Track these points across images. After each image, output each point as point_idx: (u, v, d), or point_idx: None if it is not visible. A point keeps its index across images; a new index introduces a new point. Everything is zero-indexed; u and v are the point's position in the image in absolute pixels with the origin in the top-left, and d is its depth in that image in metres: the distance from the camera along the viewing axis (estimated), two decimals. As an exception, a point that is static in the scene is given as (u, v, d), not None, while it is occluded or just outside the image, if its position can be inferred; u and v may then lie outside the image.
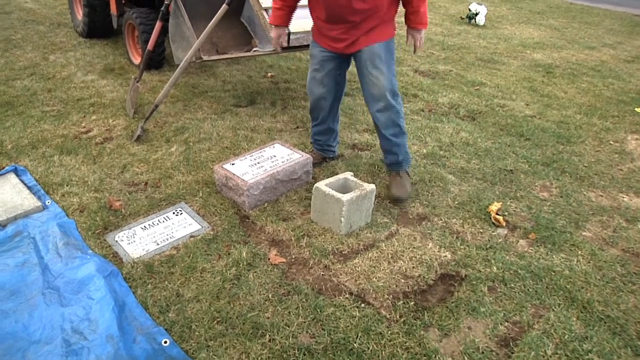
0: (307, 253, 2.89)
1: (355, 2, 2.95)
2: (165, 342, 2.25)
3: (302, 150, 3.65)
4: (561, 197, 3.59)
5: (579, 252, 3.01)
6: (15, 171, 3.50)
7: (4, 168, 3.53)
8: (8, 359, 2.16)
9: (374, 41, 3.13)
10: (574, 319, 2.52)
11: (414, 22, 3.17)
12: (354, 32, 3.11)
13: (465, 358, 2.28)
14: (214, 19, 3.78)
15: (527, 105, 5.24)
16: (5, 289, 2.53)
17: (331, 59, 3.31)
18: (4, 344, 2.23)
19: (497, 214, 3.27)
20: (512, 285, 2.72)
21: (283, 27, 3.43)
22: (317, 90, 3.46)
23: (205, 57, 4.31)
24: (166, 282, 2.63)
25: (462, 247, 3.00)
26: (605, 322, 2.51)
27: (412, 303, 2.56)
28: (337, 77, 3.42)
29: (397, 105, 3.27)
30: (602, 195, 3.64)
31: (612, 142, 4.49)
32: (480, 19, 8.64)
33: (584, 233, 3.21)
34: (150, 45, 4.56)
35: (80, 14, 6.63)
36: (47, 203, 3.21)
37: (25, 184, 3.37)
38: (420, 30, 3.22)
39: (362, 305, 2.54)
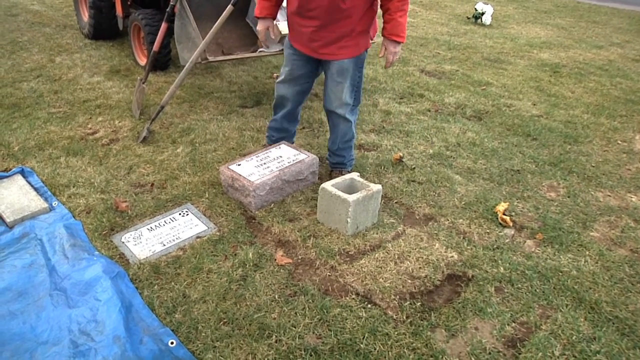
0: (314, 254, 2.88)
1: None
2: (172, 343, 2.25)
3: (308, 151, 3.64)
4: (568, 197, 3.57)
5: (587, 253, 2.99)
6: (22, 173, 3.51)
7: (11, 169, 3.55)
8: (16, 359, 2.16)
9: (346, 57, 3.13)
10: (582, 319, 2.50)
11: (388, 31, 3.08)
12: (326, 32, 3.06)
13: (472, 359, 2.27)
14: (220, 19, 3.77)
15: (534, 105, 5.22)
16: (13, 290, 2.54)
17: (302, 64, 3.32)
18: (12, 344, 2.23)
19: (504, 214, 3.26)
20: (519, 285, 2.71)
21: (270, 19, 3.32)
22: (282, 91, 3.49)
23: (211, 58, 4.32)
24: (172, 283, 2.63)
25: (469, 247, 2.99)
26: (613, 323, 2.49)
27: (419, 304, 2.55)
28: (303, 85, 3.45)
29: (352, 117, 3.39)
30: (610, 195, 3.62)
31: (620, 142, 4.46)
32: (487, 19, 8.62)
33: (591, 233, 3.19)
34: (156, 46, 4.57)
35: (86, 16, 6.65)
36: (53, 204, 3.22)
37: (32, 186, 3.38)
38: (395, 42, 3.11)
39: (369, 305, 2.53)
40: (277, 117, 3.66)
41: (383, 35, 3.12)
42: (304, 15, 3.07)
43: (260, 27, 3.33)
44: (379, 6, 3.11)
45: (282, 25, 3.85)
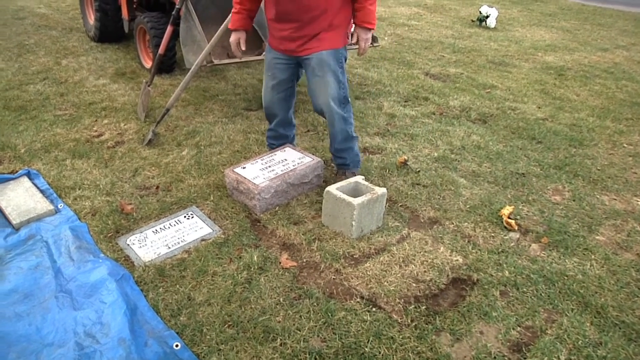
0: (318, 257, 2.88)
1: None
2: (177, 346, 2.26)
3: (313, 154, 3.65)
4: (574, 200, 3.56)
5: (593, 257, 2.98)
6: (29, 175, 3.52)
7: (17, 172, 3.56)
8: (21, 362, 2.18)
9: (324, 48, 3.13)
10: (588, 324, 2.50)
11: (359, 19, 3.14)
12: (304, 32, 3.10)
13: (478, 363, 2.27)
14: (225, 23, 3.79)
15: (539, 108, 5.22)
16: (19, 291, 2.55)
17: (284, 68, 3.33)
18: (18, 346, 2.24)
19: (509, 217, 3.25)
20: (525, 289, 2.70)
21: (242, 31, 3.38)
22: (267, 100, 3.51)
23: (216, 61, 4.33)
24: (177, 286, 2.64)
25: (473, 251, 2.98)
26: (620, 328, 2.48)
27: (424, 307, 2.55)
28: (287, 89, 3.46)
29: (344, 113, 3.33)
30: (615, 199, 3.61)
31: (625, 145, 4.45)
32: (491, 22, 8.61)
33: (597, 237, 3.18)
34: (161, 49, 4.59)
35: (92, 19, 6.69)
36: (59, 207, 3.23)
37: (38, 188, 3.40)
38: (366, 29, 3.16)
39: (374, 309, 2.53)
40: (272, 126, 3.69)
41: (355, 23, 3.18)
42: (282, 20, 3.13)
43: (232, 38, 3.38)
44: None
45: None
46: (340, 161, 3.57)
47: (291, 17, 3.07)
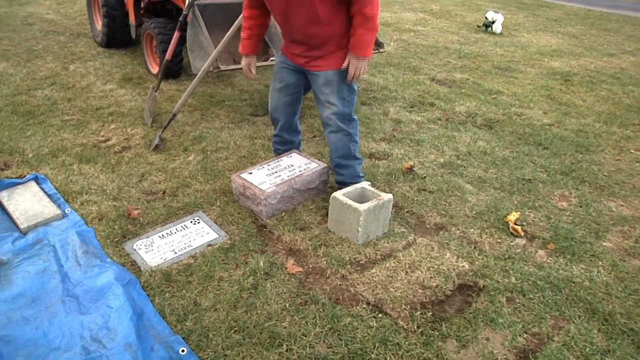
0: (324, 263, 2.88)
1: (310, 27, 2.96)
2: (183, 351, 2.26)
3: (319, 160, 3.65)
4: (580, 206, 3.55)
5: (600, 263, 2.97)
6: (36, 179, 3.54)
7: (25, 176, 3.58)
8: (28, 366, 2.18)
9: (330, 68, 3.11)
10: (595, 331, 2.48)
11: (351, 44, 3.02)
12: (315, 52, 3.10)
13: (484, 370, 2.26)
14: (232, 28, 3.80)
15: (545, 113, 5.21)
16: (26, 296, 2.56)
17: (292, 73, 3.32)
18: (25, 350, 2.25)
19: (515, 223, 3.24)
20: (531, 296, 2.69)
21: (253, 56, 3.42)
22: (273, 101, 3.50)
23: (222, 67, 4.35)
24: (184, 291, 2.64)
25: (480, 257, 2.98)
26: (628, 335, 2.47)
27: (430, 314, 2.55)
28: (293, 94, 3.44)
29: (350, 129, 3.27)
30: (622, 205, 3.60)
31: (632, 151, 4.44)
32: (497, 27, 8.61)
33: (604, 243, 3.17)
34: (168, 54, 4.61)
35: (99, 25, 6.72)
36: (66, 211, 3.24)
37: (45, 192, 3.41)
38: (358, 56, 3.01)
39: (380, 315, 2.52)
40: (277, 132, 3.68)
41: (349, 47, 3.06)
42: (292, 40, 3.16)
43: (243, 63, 3.41)
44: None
45: None
46: (339, 178, 3.48)
47: (301, 42, 3.10)
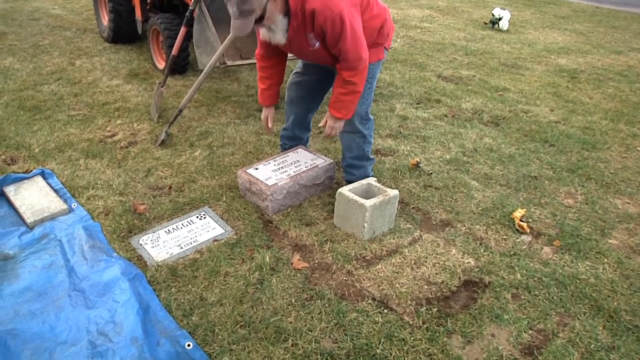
0: (330, 258, 2.89)
1: (329, 62, 2.98)
2: (189, 345, 2.27)
3: (326, 156, 3.65)
4: (586, 204, 3.54)
5: (605, 260, 2.97)
6: (43, 174, 3.56)
7: (31, 171, 3.60)
8: (36, 358, 2.19)
9: None
10: (600, 328, 2.48)
11: (330, 104, 3.03)
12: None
13: (489, 366, 2.26)
14: (238, 24, 3.80)
15: (552, 110, 5.19)
16: (33, 290, 2.57)
17: (315, 67, 3.31)
18: (31, 344, 2.26)
19: (521, 220, 3.24)
20: (537, 292, 2.69)
21: (272, 107, 3.42)
22: (292, 93, 3.49)
23: (229, 62, 4.35)
24: (190, 286, 2.65)
25: (485, 253, 2.97)
26: (633, 332, 2.46)
27: (435, 309, 2.55)
28: (315, 90, 3.43)
29: (365, 130, 3.26)
30: (629, 203, 3.58)
31: (639, 149, 4.42)
32: (504, 24, 8.57)
33: (610, 241, 3.16)
34: (174, 50, 4.61)
35: (105, 20, 6.73)
36: (73, 206, 3.26)
37: (52, 187, 3.43)
38: (334, 117, 3.04)
39: (385, 311, 2.53)
40: (289, 125, 3.66)
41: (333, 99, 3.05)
42: None
43: (263, 115, 3.45)
44: (384, 16, 3.07)
45: None
46: (350, 177, 3.46)
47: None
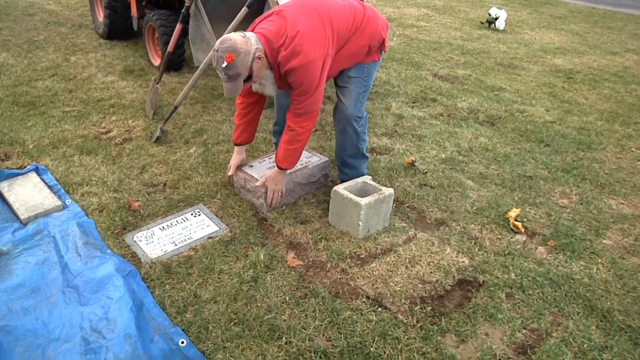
0: (325, 256, 2.89)
1: None
2: (182, 343, 2.26)
3: (321, 154, 3.65)
4: (581, 204, 3.55)
5: (599, 260, 2.97)
6: (37, 170, 3.54)
7: (25, 167, 3.58)
8: (28, 355, 2.19)
9: (350, 65, 3.11)
10: (594, 327, 2.49)
11: (276, 153, 3.12)
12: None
13: (483, 365, 2.27)
14: (234, 21, 3.80)
15: (547, 111, 5.20)
16: (26, 286, 2.56)
17: None
18: (24, 340, 2.25)
19: (515, 220, 3.24)
20: (531, 292, 2.69)
21: (243, 151, 3.43)
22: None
23: (224, 60, 4.32)
24: (184, 283, 2.65)
25: (480, 252, 2.98)
26: (626, 332, 2.47)
27: (429, 308, 2.55)
28: None
29: (359, 127, 3.25)
30: (623, 203, 3.59)
31: (634, 149, 4.43)
32: (500, 24, 8.59)
33: (604, 241, 3.17)
34: (170, 47, 4.60)
35: (101, 16, 6.71)
36: (67, 202, 3.24)
37: (46, 183, 3.41)
38: (279, 168, 3.12)
39: (379, 309, 2.53)
40: (280, 119, 3.63)
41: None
42: None
43: (233, 159, 3.44)
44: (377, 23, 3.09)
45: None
46: (344, 177, 3.43)
47: None
